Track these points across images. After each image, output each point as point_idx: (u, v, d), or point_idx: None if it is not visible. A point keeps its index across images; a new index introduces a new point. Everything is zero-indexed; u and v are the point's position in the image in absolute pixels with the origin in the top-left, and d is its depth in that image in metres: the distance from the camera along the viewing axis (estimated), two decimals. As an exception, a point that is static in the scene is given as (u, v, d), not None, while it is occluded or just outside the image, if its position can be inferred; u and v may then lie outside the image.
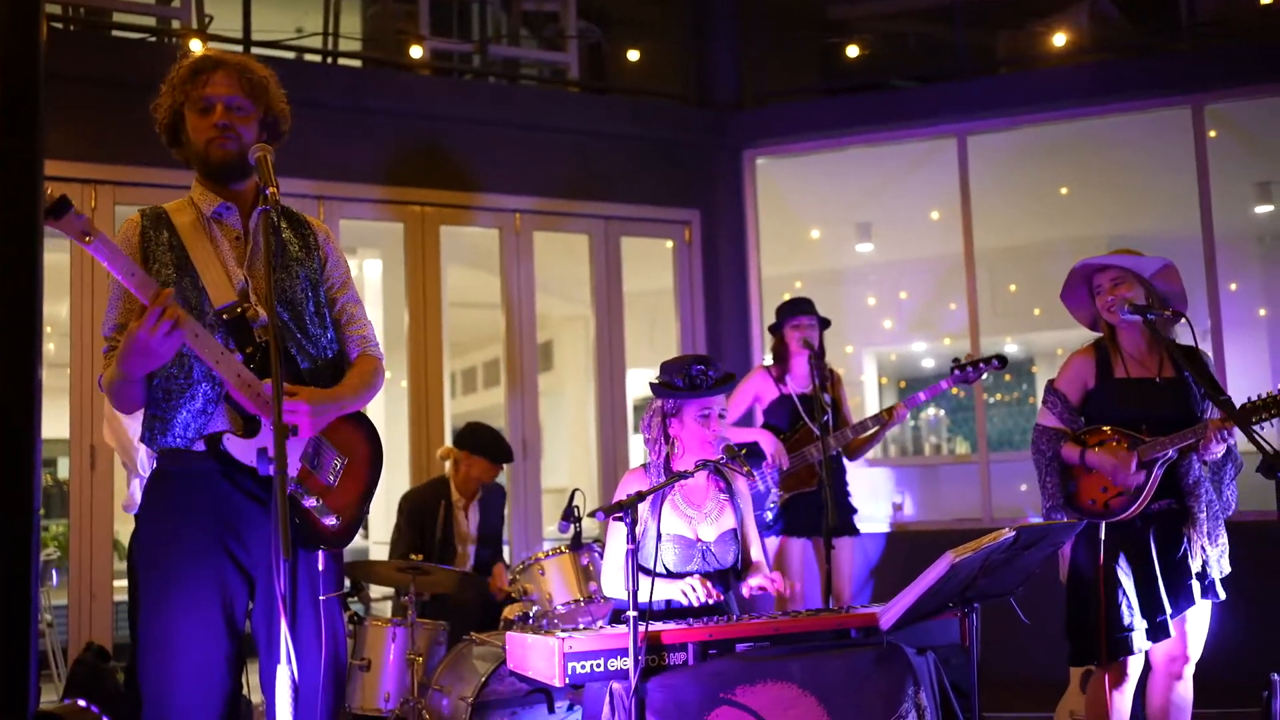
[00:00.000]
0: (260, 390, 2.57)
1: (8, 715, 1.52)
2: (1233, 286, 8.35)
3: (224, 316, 2.57)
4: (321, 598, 2.67)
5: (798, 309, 5.20)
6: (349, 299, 2.90)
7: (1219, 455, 3.72)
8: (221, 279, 2.63)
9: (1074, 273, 3.89)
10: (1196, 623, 3.77)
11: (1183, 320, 3.78)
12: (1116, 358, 3.85)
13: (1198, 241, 7.02)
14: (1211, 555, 3.72)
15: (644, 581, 3.37)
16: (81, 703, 1.75)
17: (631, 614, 2.84)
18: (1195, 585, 3.71)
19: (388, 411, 10.47)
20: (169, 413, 2.60)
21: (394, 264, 8.71)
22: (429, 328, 7.11)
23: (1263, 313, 9.70)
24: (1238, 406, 3.61)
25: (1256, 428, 3.46)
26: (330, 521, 2.69)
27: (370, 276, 9.89)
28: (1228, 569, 3.75)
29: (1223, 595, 3.75)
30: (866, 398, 11.32)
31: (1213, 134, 7.12)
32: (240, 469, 2.59)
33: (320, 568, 2.68)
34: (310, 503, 2.63)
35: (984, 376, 5.06)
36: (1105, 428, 3.79)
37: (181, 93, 2.71)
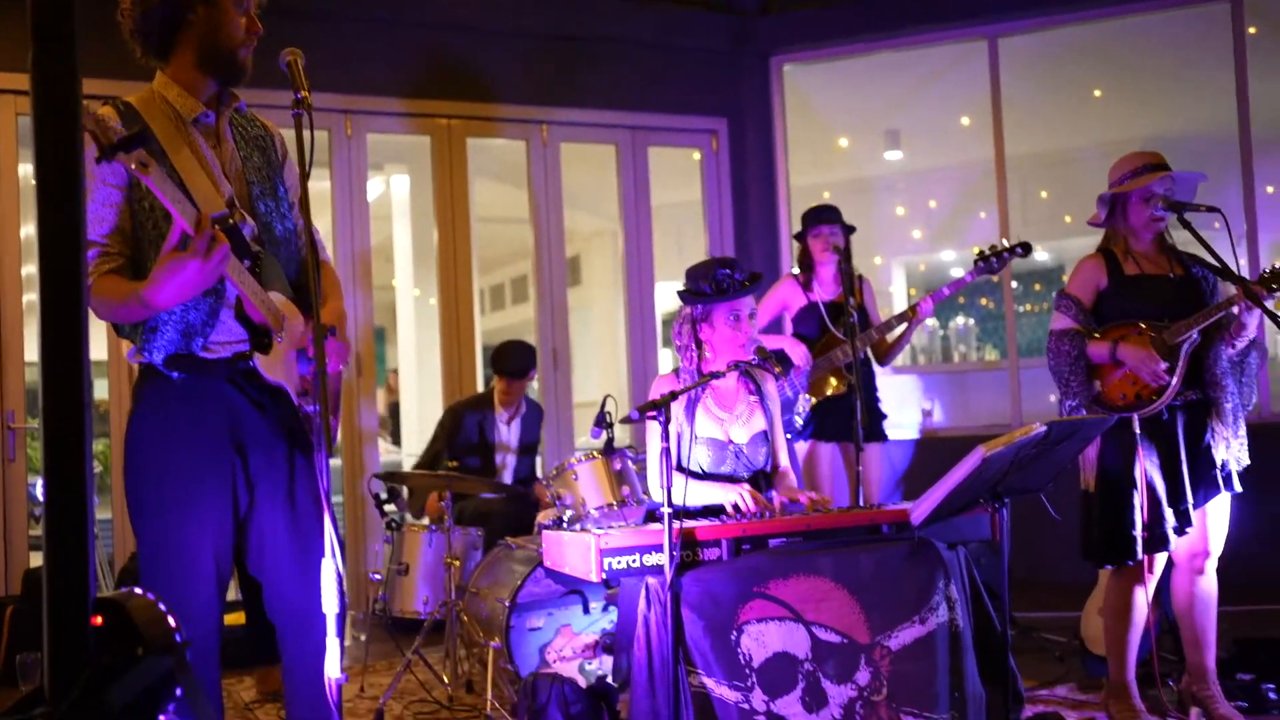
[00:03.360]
0: (269, 302, 2.54)
1: (72, 602, 1.57)
2: (1269, 189, 8.21)
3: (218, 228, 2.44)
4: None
5: (821, 217, 5.18)
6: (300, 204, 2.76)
7: (1249, 337, 3.72)
8: (209, 189, 2.50)
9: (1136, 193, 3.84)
10: (1217, 517, 3.79)
11: (1219, 218, 3.74)
12: (1127, 259, 3.87)
13: (1234, 142, 6.90)
14: (1233, 447, 3.74)
15: (689, 484, 3.43)
16: (138, 590, 1.81)
17: (666, 510, 2.89)
18: (1218, 476, 3.73)
19: (418, 327, 10.55)
20: (170, 320, 2.49)
21: (421, 180, 8.70)
22: (458, 243, 7.13)
23: (1301, 216, 9.55)
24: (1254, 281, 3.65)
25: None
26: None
27: (398, 193, 9.89)
28: (1246, 461, 3.77)
29: (1239, 488, 3.77)
30: (895, 308, 11.28)
31: (1252, 30, 6.94)
32: (244, 377, 2.57)
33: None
34: (311, 408, 2.65)
35: (1014, 282, 4.99)
36: (1119, 322, 3.79)
37: None
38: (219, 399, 2.56)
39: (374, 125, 6.90)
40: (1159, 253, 3.89)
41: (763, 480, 3.72)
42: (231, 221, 2.38)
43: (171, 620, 1.83)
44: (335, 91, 6.54)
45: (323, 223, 6.83)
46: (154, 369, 2.55)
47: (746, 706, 2.98)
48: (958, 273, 12.01)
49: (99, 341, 5.94)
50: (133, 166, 2.22)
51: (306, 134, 2.35)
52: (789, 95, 7.73)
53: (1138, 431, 3.67)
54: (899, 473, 6.96)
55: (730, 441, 3.64)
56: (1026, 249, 4.82)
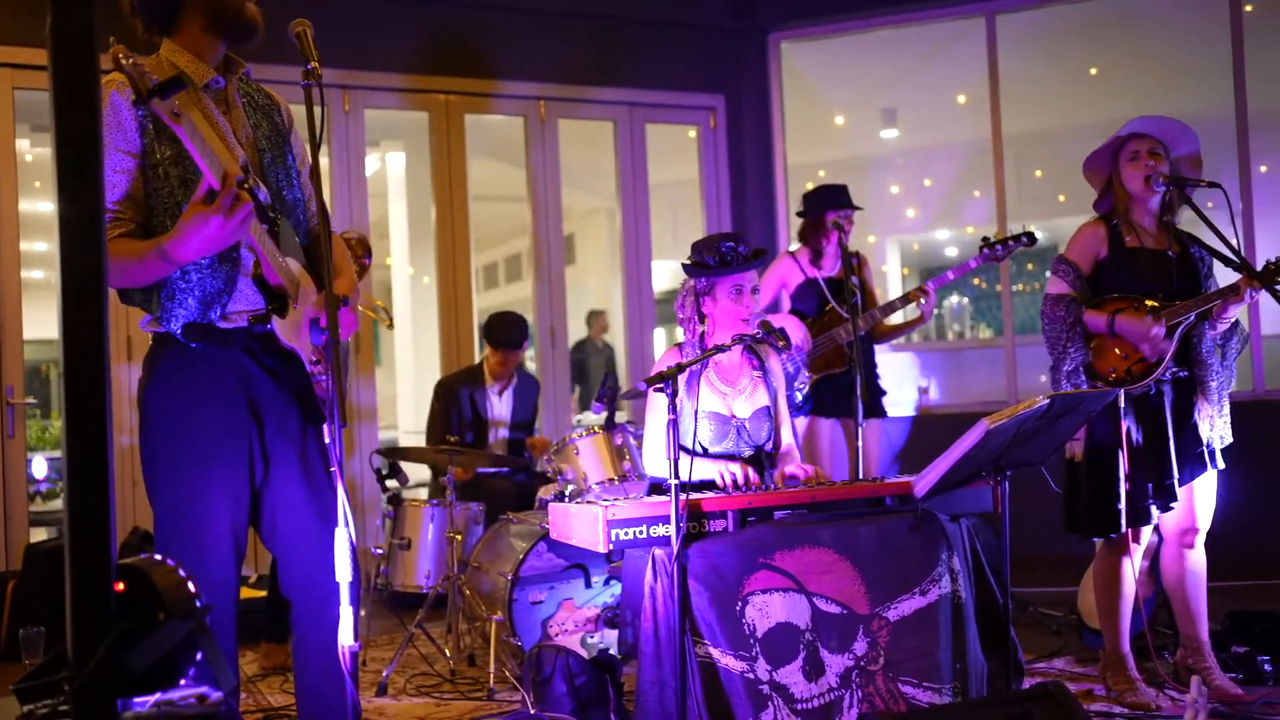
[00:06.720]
0: (286, 267, 2.55)
1: (94, 568, 1.58)
2: (1263, 169, 8.23)
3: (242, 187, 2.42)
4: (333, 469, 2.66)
5: (845, 200, 5.15)
6: (309, 173, 2.77)
7: (1230, 322, 3.77)
8: (224, 155, 2.46)
9: (1117, 138, 3.89)
10: (1204, 493, 3.83)
11: (1214, 197, 3.76)
12: (1128, 229, 3.87)
13: (1230, 122, 6.91)
14: (1218, 425, 3.78)
15: (684, 460, 3.44)
16: (158, 556, 1.83)
17: (673, 481, 2.91)
18: (1204, 453, 3.76)
19: (414, 305, 10.54)
20: (188, 289, 2.49)
21: (417, 157, 8.69)
22: (455, 220, 7.12)
23: (1294, 196, 9.58)
24: (1258, 270, 3.66)
25: None
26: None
27: (394, 169, 9.87)
28: (1230, 438, 3.81)
29: (1223, 464, 3.80)
30: (889, 288, 11.31)
31: (1249, 8, 6.96)
32: (260, 344, 2.58)
33: (328, 441, 2.60)
34: (323, 378, 2.66)
35: (1009, 261, 5.01)
36: (1117, 295, 3.81)
37: None
38: (235, 368, 2.56)
39: (372, 101, 6.88)
40: (1158, 227, 3.90)
41: (764, 458, 3.74)
42: (248, 185, 2.37)
43: (192, 586, 1.85)
44: (333, 67, 6.52)
45: (320, 199, 6.81)
46: (171, 338, 2.55)
47: (751, 676, 3.01)
48: (952, 252, 12.06)
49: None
50: (166, 114, 2.23)
51: (317, 105, 2.34)
52: (786, 73, 7.72)
53: (1122, 405, 3.70)
54: (896, 449, 7.00)
55: (733, 416, 3.66)
56: (1031, 239, 4.84)
